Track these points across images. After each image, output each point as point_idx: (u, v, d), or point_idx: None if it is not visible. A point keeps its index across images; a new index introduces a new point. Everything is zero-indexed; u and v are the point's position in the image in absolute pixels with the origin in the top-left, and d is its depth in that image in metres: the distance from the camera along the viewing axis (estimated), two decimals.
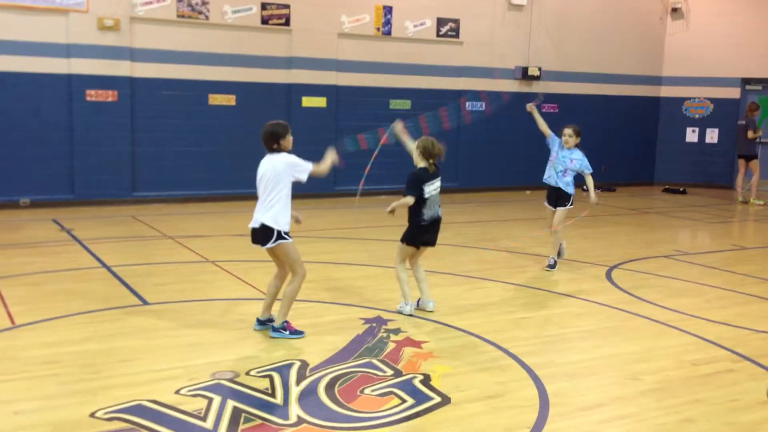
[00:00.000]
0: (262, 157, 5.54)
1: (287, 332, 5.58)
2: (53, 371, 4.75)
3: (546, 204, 8.31)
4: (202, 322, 5.90)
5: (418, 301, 6.36)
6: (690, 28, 16.85)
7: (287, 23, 12.90)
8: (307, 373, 4.85)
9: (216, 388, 4.54)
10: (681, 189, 16.12)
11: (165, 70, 12.11)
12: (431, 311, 6.25)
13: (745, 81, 16.62)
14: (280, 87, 13.06)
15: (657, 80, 17.15)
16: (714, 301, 6.98)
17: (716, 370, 5.07)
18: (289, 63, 13.02)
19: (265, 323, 5.72)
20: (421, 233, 6.19)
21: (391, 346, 5.43)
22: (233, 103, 12.73)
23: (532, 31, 15.26)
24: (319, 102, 13.29)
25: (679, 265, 8.59)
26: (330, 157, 5.68)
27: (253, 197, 5.50)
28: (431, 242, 6.31)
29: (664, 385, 4.78)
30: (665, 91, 17.21)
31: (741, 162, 14.54)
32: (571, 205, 8.10)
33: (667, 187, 16.46)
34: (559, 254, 8.21)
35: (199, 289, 6.93)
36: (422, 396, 4.54)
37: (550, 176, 8.13)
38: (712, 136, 16.90)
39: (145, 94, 12.03)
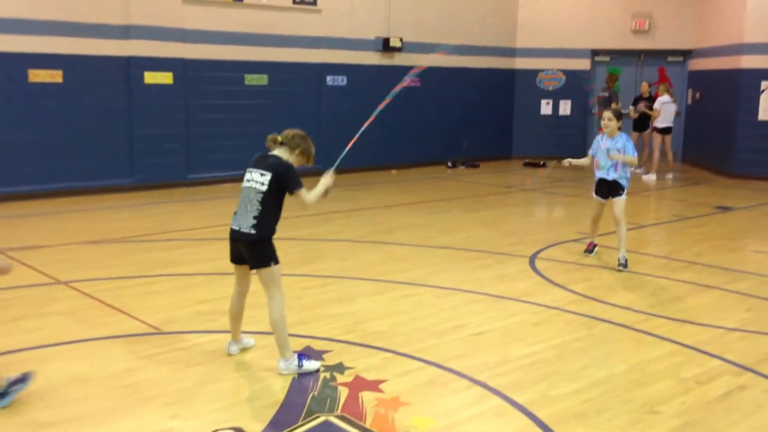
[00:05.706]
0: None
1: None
2: None
3: (595, 196, 7.41)
4: (76, 378, 4.38)
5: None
6: None
7: None
8: None
9: None
10: (541, 162, 15.96)
11: None
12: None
13: (595, 52, 16.73)
14: (117, 60, 11.15)
15: (511, 52, 16.85)
16: (658, 293, 6.41)
17: (728, 390, 4.38)
18: (126, 32, 11.13)
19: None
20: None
21: (344, 392, 4.26)
22: (59, 79, 10.67)
23: None
24: (165, 78, 11.52)
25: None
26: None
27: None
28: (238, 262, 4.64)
29: (689, 419, 4.00)
30: (520, 63, 16.96)
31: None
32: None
33: (527, 161, 16.24)
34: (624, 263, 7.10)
35: (58, 325, 5.31)
36: None
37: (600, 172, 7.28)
38: (565, 107, 16.90)
39: None
